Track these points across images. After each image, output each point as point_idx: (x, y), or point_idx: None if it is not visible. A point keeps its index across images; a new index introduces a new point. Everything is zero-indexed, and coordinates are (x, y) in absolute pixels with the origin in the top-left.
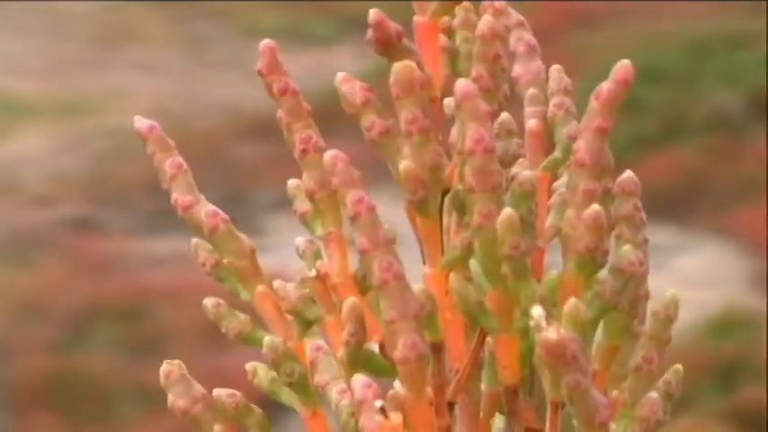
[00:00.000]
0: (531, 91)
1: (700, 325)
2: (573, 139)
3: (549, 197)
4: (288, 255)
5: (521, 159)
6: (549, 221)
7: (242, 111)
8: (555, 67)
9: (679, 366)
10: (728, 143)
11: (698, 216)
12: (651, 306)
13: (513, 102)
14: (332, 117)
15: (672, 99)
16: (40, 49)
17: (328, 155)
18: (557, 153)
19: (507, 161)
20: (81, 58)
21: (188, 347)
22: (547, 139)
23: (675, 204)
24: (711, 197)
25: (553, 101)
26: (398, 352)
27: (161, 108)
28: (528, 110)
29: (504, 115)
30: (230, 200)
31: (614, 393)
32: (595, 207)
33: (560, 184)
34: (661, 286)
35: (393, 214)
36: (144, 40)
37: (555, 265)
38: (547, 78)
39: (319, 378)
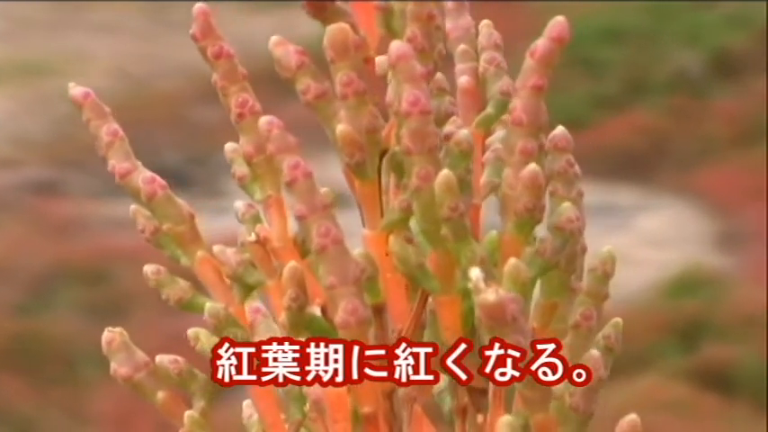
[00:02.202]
0: (462, 47)
1: (661, 284)
2: (505, 94)
3: (483, 153)
4: None
5: (453, 117)
6: (485, 178)
7: (203, 73)
8: (484, 23)
9: (618, 320)
10: (690, 103)
11: (660, 176)
12: (588, 262)
13: (444, 58)
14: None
15: (633, 59)
16: (0, 11)
17: (263, 121)
18: (489, 109)
19: (440, 119)
20: (42, 19)
21: (151, 310)
22: (479, 96)
23: (637, 164)
24: (673, 157)
25: (484, 56)
26: (339, 317)
27: (123, 70)
28: (459, 66)
29: (436, 74)
30: (192, 162)
31: None
32: (533, 167)
33: (494, 139)
34: (623, 246)
35: (336, 175)
36: (105, 1)
37: (490, 221)
38: (477, 34)
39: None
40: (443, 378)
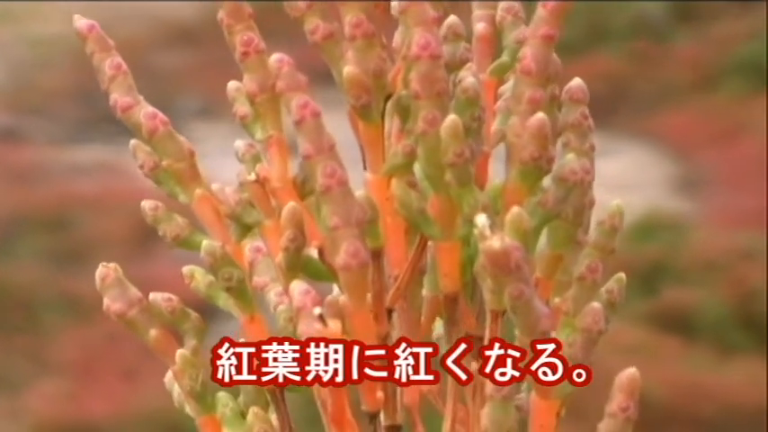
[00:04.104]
0: None
1: (622, 228)
2: (521, 43)
3: (496, 101)
4: (212, 163)
5: (468, 63)
6: (495, 126)
7: (164, 19)
8: None
9: (622, 275)
10: (650, 48)
11: (621, 120)
12: (596, 215)
13: (462, 5)
14: (264, 23)
15: (595, 4)
16: None
17: (274, 58)
18: (504, 57)
19: (455, 65)
20: None
21: (113, 256)
22: (495, 44)
23: (598, 109)
24: (634, 101)
25: (502, 5)
26: (340, 259)
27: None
28: (476, 13)
29: (453, 18)
30: (155, 108)
31: (557, 300)
32: (540, 116)
33: (507, 88)
34: None
35: (330, 120)
36: None
37: (500, 173)
38: None
39: (258, 279)
40: (440, 323)
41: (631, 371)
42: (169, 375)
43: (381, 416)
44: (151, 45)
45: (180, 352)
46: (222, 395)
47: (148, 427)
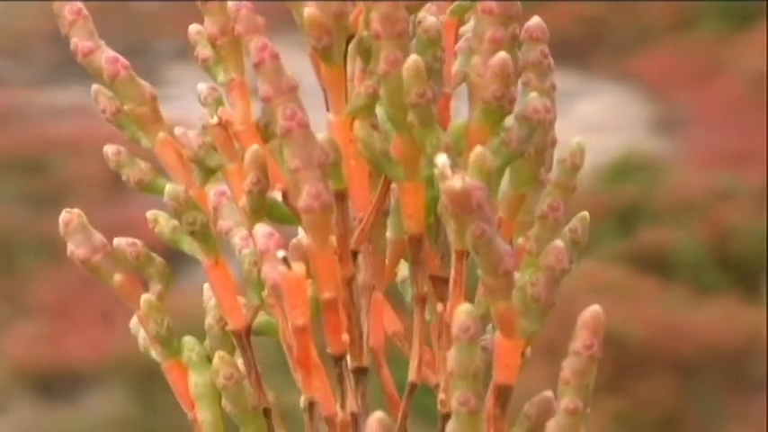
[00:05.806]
0: None
1: (600, 169)
2: None
3: (457, 42)
4: (190, 104)
5: (428, 4)
6: (456, 67)
7: None
8: None
9: (585, 213)
10: None
11: (598, 61)
12: (558, 154)
13: None
14: None
15: None
16: None
17: (232, 1)
18: None
19: (414, 6)
20: None
21: (89, 199)
22: None
23: (575, 50)
24: (611, 42)
25: None
26: (302, 201)
27: None
28: None
29: None
30: (131, 50)
31: (520, 241)
32: (502, 55)
33: (468, 28)
34: (561, 131)
35: (296, 63)
36: None
37: (462, 114)
38: None
39: (222, 224)
40: (405, 265)
41: (595, 308)
42: (134, 320)
43: (347, 358)
44: None
45: (145, 297)
46: (188, 339)
47: (126, 369)
